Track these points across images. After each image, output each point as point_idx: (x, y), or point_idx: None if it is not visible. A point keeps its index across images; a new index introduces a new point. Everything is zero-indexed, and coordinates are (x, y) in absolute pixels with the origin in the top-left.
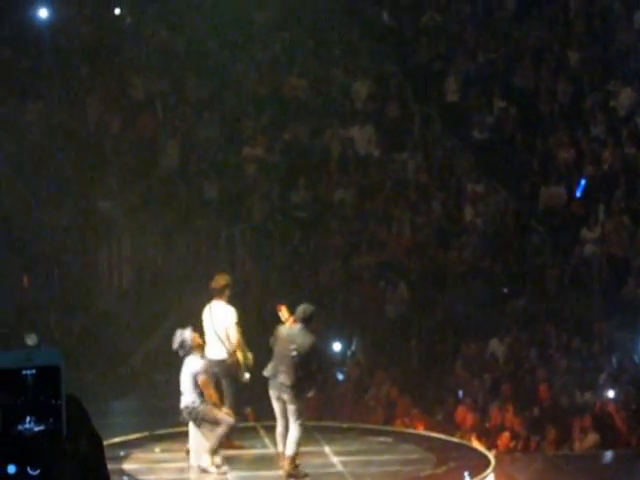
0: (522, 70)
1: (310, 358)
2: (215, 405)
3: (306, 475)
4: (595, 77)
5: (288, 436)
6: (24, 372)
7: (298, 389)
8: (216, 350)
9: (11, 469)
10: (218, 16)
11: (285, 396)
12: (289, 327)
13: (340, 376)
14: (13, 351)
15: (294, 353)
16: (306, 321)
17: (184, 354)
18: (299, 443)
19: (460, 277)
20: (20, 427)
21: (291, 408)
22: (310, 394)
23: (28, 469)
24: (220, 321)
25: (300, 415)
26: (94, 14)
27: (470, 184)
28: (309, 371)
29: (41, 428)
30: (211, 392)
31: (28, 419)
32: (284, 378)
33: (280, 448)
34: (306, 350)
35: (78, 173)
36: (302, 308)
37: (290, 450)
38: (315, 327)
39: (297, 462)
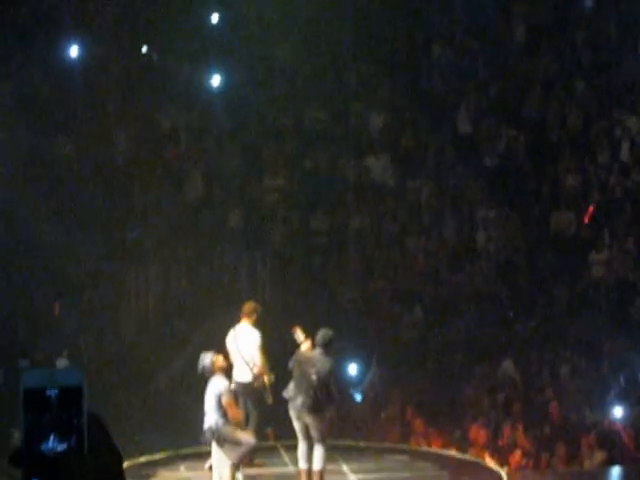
0: (531, 100)
1: (329, 381)
2: (238, 425)
3: None
4: (602, 106)
5: (315, 453)
6: (48, 392)
7: (318, 410)
8: (242, 372)
9: None
10: (241, 51)
11: (306, 418)
12: (309, 351)
13: (358, 397)
14: (37, 370)
15: (314, 377)
16: (326, 346)
17: (208, 376)
18: (325, 458)
19: (473, 300)
20: (44, 446)
21: (314, 429)
22: (329, 414)
23: None
24: (245, 344)
25: (324, 435)
26: (122, 52)
27: (482, 210)
28: (328, 393)
29: (64, 447)
30: (235, 412)
31: (52, 438)
32: (304, 400)
33: (301, 466)
34: (326, 374)
35: (107, 204)
36: (322, 333)
37: (319, 465)
38: (335, 351)
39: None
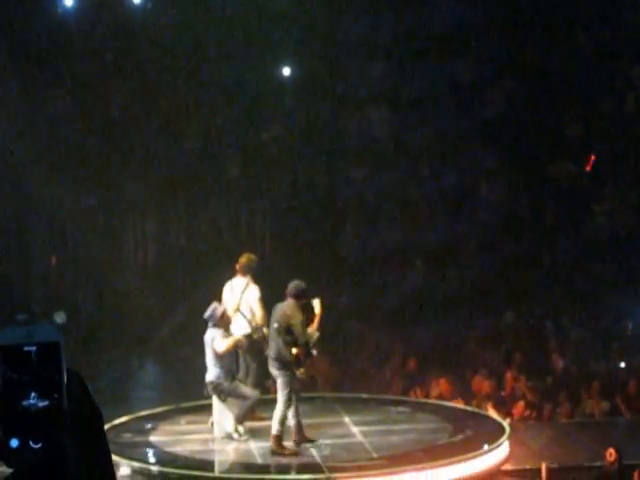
0: (532, 50)
1: (290, 328)
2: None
3: (294, 453)
4: (603, 57)
5: (274, 414)
6: (25, 348)
7: (281, 362)
8: (240, 325)
9: (14, 443)
10: (238, 2)
11: (273, 370)
12: (281, 303)
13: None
14: (11, 328)
15: (275, 325)
16: (296, 296)
17: (211, 325)
18: (283, 421)
19: (474, 251)
20: (25, 403)
21: (278, 382)
22: (298, 371)
23: (30, 442)
24: (243, 296)
25: (284, 389)
26: (116, 1)
27: (483, 160)
28: (293, 346)
29: (45, 403)
30: (225, 347)
31: (33, 395)
32: (271, 352)
33: (290, 421)
34: (285, 322)
35: (104, 156)
36: (293, 284)
37: (274, 429)
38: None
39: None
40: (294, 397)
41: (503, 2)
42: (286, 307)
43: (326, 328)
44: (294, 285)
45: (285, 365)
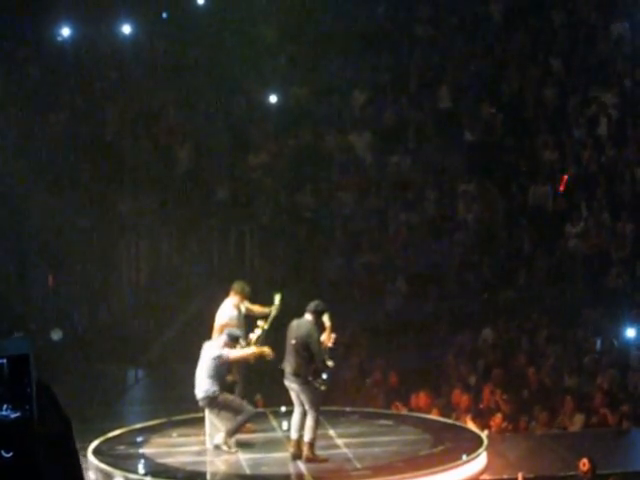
0: (509, 77)
1: (309, 345)
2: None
3: (325, 460)
4: (577, 83)
5: (305, 423)
6: None
7: (302, 378)
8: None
9: None
10: (227, 30)
11: (293, 385)
12: (298, 320)
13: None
14: None
15: (293, 341)
16: (315, 313)
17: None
18: (315, 429)
19: (454, 271)
20: None
21: (303, 397)
22: (317, 386)
23: (2, 452)
24: (219, 316)
25: (313, 404)
26: (110, 32)
27: (462, 184)
28: (312, 362)
29: (17, 415)
30: (239, 355)
31: (5, 407)
32: (289, 367)
33: (292, 435)
34: (302, 337)
35: (99, 179)
36: (314, 302)
37: (307, 437)
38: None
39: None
40: (300, 412)
41: (481, 31)
42: (305, 324)
43: None
44: (315, 303)
45: (304, 380)
